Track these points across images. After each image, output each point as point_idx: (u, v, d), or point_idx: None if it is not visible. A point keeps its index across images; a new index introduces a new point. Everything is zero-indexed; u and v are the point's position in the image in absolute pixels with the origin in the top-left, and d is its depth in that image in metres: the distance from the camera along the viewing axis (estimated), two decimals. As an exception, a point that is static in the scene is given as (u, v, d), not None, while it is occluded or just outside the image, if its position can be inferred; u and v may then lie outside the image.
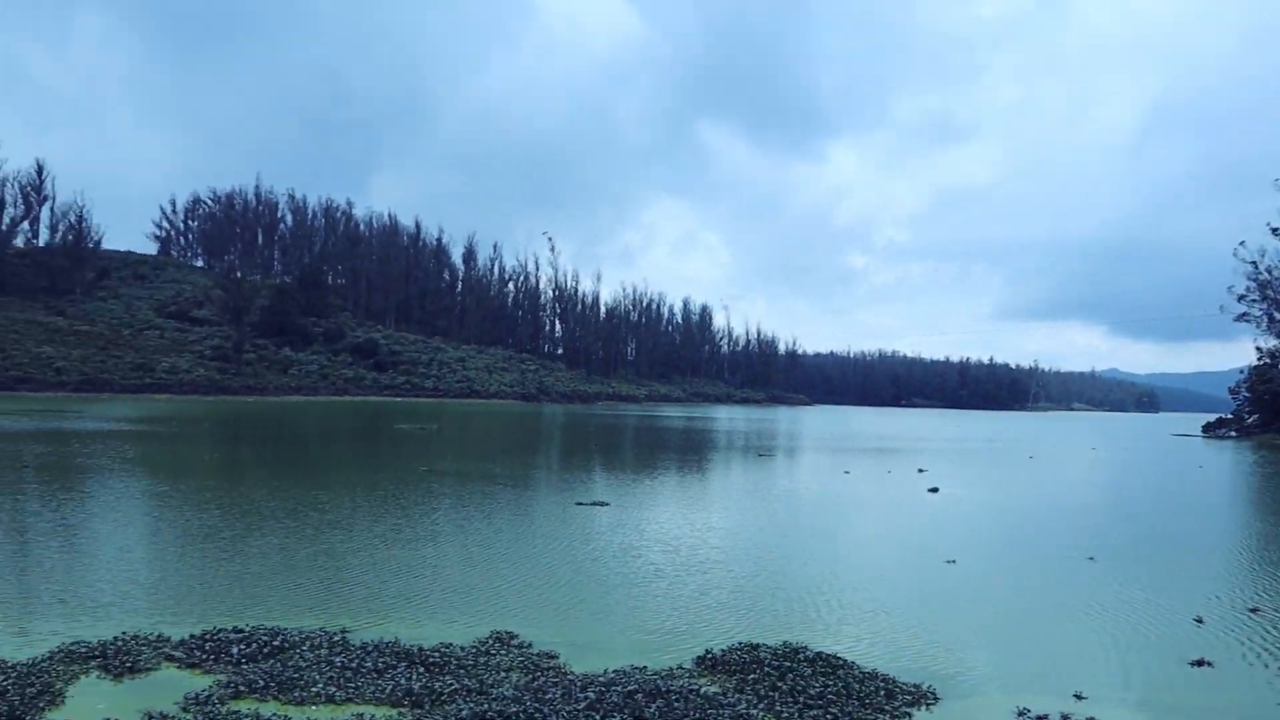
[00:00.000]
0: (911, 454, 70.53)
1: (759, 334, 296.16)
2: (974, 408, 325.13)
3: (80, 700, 12.67)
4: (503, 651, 15.38)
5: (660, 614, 18.44)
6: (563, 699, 12.84)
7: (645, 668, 14.58)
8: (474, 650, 15.28)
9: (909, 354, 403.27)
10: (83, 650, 14.50)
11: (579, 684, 13.46)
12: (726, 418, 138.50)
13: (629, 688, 13.26)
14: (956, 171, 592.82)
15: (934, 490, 42.60)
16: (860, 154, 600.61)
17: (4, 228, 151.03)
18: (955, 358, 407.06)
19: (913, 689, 13.97)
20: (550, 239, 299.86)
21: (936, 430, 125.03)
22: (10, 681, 12.76)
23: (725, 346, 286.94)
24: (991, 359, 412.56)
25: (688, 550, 25.30)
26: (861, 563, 25.10)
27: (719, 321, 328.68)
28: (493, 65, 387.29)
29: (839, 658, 15.20)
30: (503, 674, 14.18)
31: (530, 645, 15.80)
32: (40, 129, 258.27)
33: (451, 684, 13.50)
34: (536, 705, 12.50)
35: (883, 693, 13.68)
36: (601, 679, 13.75)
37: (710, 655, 15.25)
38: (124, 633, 15.47)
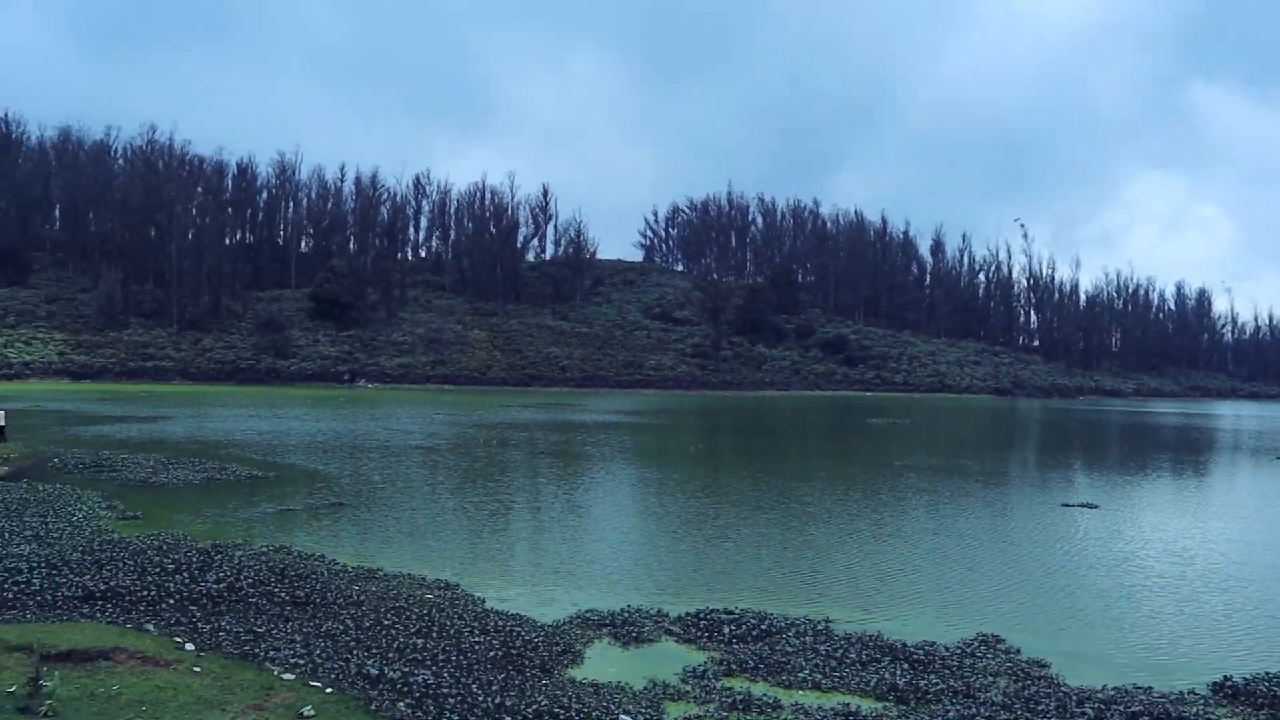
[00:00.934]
0: None
1: (1270, 319, 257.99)
2: None
3: (594, 662, 14.13)
4: (989, 655, 14.86)
5: (1169, 631, 16.77)
6: (1056, 711, 12.12)
7: (1150, 689, 13.33)
8: (959, 651, 14.92)
9: None
10: (595, 619, 16.16)
11: (1074, 698, 12.63)
12: (1231, 415, 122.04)
13: (1132, 709, 12.21)
14: None
15: None
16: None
17: (519, 245, 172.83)
18: None
19: None
20: (1022, 225, 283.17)
21: None
22: (540, 639, 14.55)
23: (1228, 334, 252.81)
24: None
25: (1203, 564, 22.77)
26: None
27: (1220, 306, 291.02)
28: (954, 50, 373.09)
29: (1403, 701, 12.83)
30: (990, 678, 13.69)
31: (1018, 651, 15.11)
32: (544, 156, 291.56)
33: (937, 683, 13.28)
34: (1028, 715, 11.91)
35: None
36: (1100, 695, 12.79)
37: (1230, 683, 13.58)
38: (629, 606, 17.01)
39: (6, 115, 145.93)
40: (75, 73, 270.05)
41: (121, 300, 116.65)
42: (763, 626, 15.80)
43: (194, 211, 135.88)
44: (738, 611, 16.61)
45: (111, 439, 43.65)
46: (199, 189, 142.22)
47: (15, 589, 15.57)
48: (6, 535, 20.04)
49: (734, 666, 13.92)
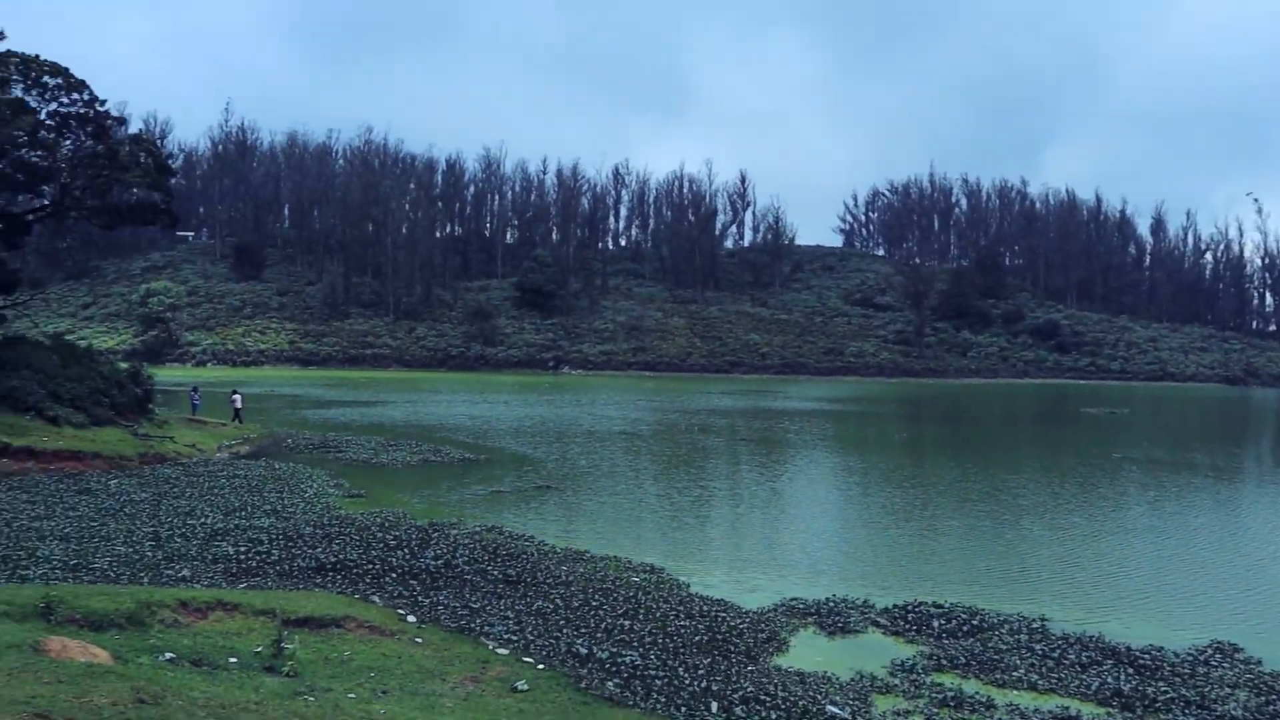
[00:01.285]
0: None
1: None
2: None
3: (799, 651, 14.01)
4: (1225, 664, 13.82)
5: None
6: (1307, 728, 11.20)
7: None
8: (1190, 658, 13.94)
9: None
10: (800, 607, 16.02)
11: (1329, 716, 11.62)
12: None
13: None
14: None
15: None
16: None
17: (718, 232, 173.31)
18: None
19: None
20: (1256, 200, 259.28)
21: None
22: (745, 625, 14.57)
23: None
24: None
25: None
26: None
27: None
28: (1178, 13, 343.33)
29: None
30: (1227, 690, 12.72)
31: (1259, 662, 13.97)
32: (742, 143, 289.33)
33: (1166, 691, 12.46)
34: (1274, 730, 11.06)
35: None
36: (1359, 714, 11.71)
37: None
38: (834, 595, 16.77)
39: (243, 124, 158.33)
40: (301, 80, 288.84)
41: (343, 292, 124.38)
42: (974, 622, 15.28)
43: (407, 207, 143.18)
44: (947, 605, 16.11)
45: (336, 421, 46.58)
46: (411, 185, 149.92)
47: (258, 558, 16.92)
48: (249, 509, 21.73)
49: (944, 662, 13.50)
